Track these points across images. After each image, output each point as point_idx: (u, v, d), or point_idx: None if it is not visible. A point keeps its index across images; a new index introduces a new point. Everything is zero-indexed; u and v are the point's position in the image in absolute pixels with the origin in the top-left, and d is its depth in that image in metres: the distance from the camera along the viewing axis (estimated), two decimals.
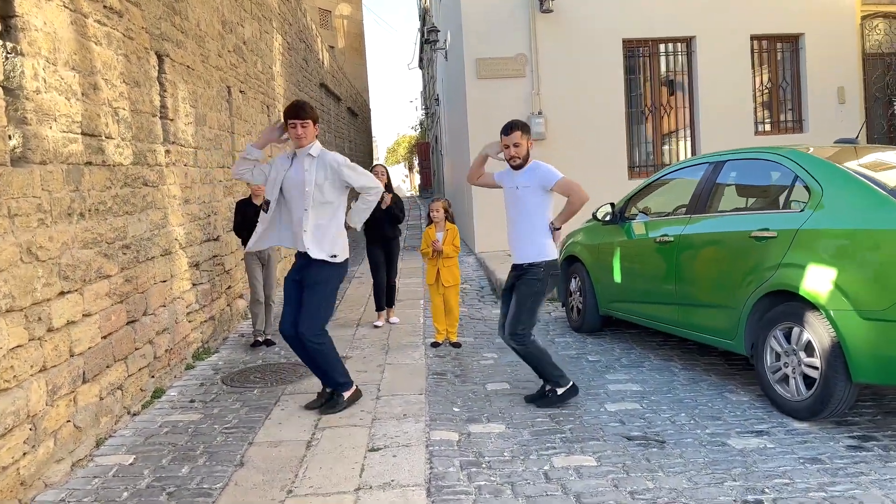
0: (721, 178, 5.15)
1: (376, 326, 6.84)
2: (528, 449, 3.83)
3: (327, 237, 4.45)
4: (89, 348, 4.02)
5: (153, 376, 4.96)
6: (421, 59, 32.77)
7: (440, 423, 4.25)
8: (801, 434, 3.94)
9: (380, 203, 6.17)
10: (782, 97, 11.98)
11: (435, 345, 6.25)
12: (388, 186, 6.65)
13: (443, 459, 3.72)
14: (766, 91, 11.88)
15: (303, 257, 4.47)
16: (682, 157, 11.72)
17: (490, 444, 3.92)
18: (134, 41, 4.88)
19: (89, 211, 4.11)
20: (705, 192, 5.19)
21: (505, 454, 3.77)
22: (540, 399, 4.59)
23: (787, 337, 4.26)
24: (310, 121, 4.40)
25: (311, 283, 4.43)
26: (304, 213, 4.39)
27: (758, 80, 11.81)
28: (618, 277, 6.01)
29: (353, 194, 4.64)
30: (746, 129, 11.47)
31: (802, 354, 4.13)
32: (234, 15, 7.82)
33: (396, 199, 6.88)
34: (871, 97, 12.28)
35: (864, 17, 12.27)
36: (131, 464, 3.79)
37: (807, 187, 4.34)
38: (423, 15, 27.30)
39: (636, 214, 6.06)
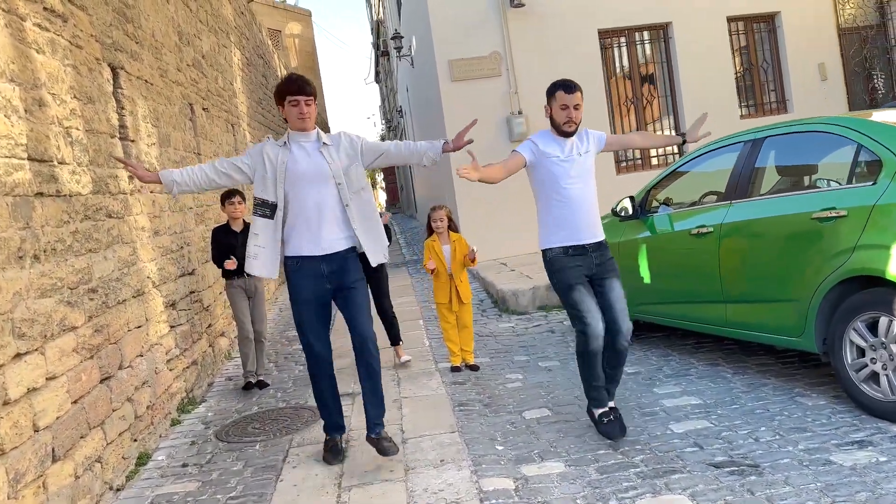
0: (762, 156, 4.61)
1: (399, 363, 5.86)
2: (602, 492, 3.20)
3: (380, 231, 3.82)
4: (57, 418, 3.28)
5: (136, 440, 4.22)
6: (377, 73, 32.21)
7: (487, 468, 3.59)
8: None
9: None
10: (764, 78, 11.64)
11: (455, 369, 5.57)
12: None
13: None
14: (747, 73, 11.52)
15: (324, 262, 3.68)
16: (668, 148, 11.29)
17: (555, 490, 3.27)
18: (83, 51, 4.17)
19: (45, 252, 3.39)
20: (745, 174, 4.64)
21: (578, 501, 3.14)
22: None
23: (872, 329, 3.72)
24: (313, 99, 3.67)
25: (356, 280, 3.73)
26: (341, 211, 3.68)
27: (737, 61, 11.45)
28: (646, 278, 5.43)
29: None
30: (731, 114, 11.08)
31: (895, 347, 3.59)
32: (191, 26, 7.11)
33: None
34: (851, 72, 12.01)
35: None
36: None
37: (877, 158, 3.81)
38: (377, 28, 26.75)
39: (658, 207, 5.51)
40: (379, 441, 3.69)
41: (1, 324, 2.92)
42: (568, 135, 3.88)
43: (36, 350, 3.17)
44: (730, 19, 11.27)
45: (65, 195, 3.68)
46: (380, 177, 41.76)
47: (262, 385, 5.63)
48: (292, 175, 3.63)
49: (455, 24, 10.45)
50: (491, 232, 10.28)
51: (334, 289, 3.74)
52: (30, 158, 3.35)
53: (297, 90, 3.60)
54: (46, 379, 3.23)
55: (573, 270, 3.82)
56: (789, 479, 3.12)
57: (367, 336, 3.68)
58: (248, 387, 5.54)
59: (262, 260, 3.72)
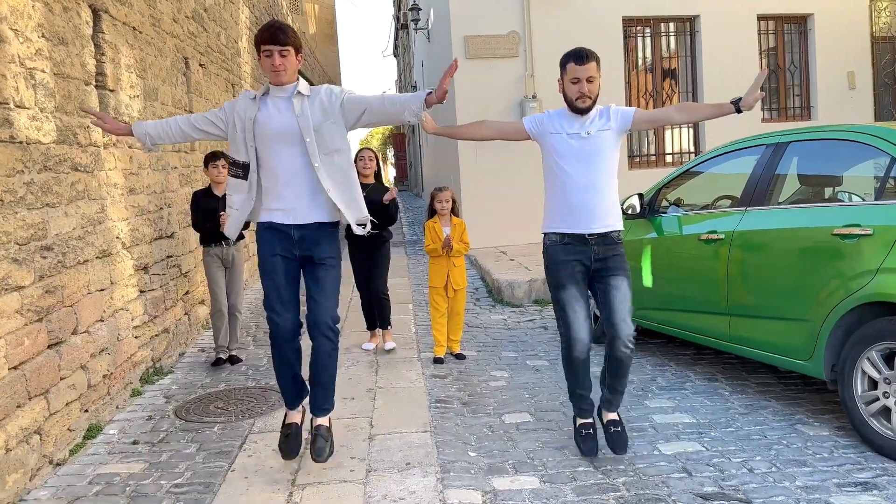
0: (784, 162, 4.26)
1: (365, 350, 5.57)
2: None
3: (356, 196, 3.40)
4: None
5: (86, 410, 3.94)
6: (396, 47, 31.72)
7: (455, 477, 3.30)
8: None
9: (380, 199, 5.16)
10: (790, 82, 11.21)
11: (438, 361, 5.27)
12: (378, 174, 5.58)
13: None
14: (773, 75, 11.09)
15: (296, 228, 3.31)
16: (684, 146, 10.92)
17: None
18: None
19: None
20: (764, 180, 4.30)
21: None
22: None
23: (889, 360, 3.40)
24: (291, 48, 3.20)
25: (328, 256, 3.34)
26: (310, 172, 3.26)
27: (764, 62, 11.02)
28: (648, 281, 5.11)
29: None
30: (753, 116, 10.62)
31: None
32: None
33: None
34: (881, 83, 11.56)
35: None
36: None
37: None
38: (399, 0, 26.23)
39: (668, 207, 5.17)
40: (315, 436, 3.34)
41: None
42: (582, 111, 3.40)
43: None
44: (760, 17, 10.82)
45: (20, 142, 3.37)
46: (390, 152, 41.33)
47: (234, 360, 5.34)
48: (263, 133, 3.23)
49: None
50: (493, 218, 9.95)
51: (303, 258, 3.35)
52: None
53: (269, 38, 3.16)
54: None
55: (567, 267, 3.43)
56: None
57: (319, 321, 3.28)
58: (218, 363, 5.24)
59: (231, 221, 3.46)
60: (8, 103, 3.27)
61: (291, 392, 3.48)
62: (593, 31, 10.14)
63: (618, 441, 3.45)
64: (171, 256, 5.58)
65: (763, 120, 10.82)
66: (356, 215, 3.40)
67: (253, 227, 3.75)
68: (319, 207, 3.32)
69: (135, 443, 3.84)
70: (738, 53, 10.64)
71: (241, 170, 3.32)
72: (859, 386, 3.53)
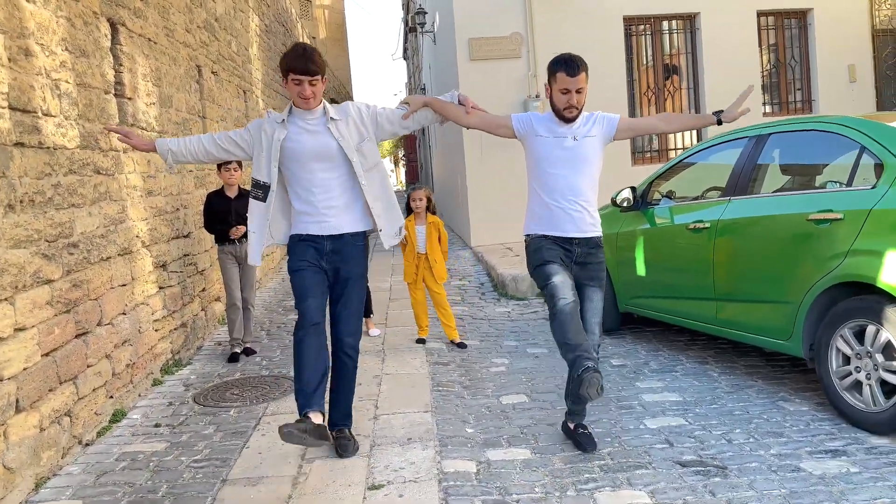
0: (766, 153, 4.48)
1: (372, 336, 5.97)
2: (562, 482, 3.15)
3: (395, 212, 3.58)
4: (24, 369, 3.29)
5: (111, 396, 4.23)
6: (405, 50, 32.00)
7: (453, 449, 3.55)
8: (885, 454, 3.28)
9: None
10: (791, 76, 11.36)
11: (420, 341, 5.74)
12: None
13: (460, 499, 3.02)
14: (774, 70, 11.25)
15: (330, 240, 3.41)
16: (686, 141, 11.10)
17: (516, 477, 3.23)
18: (79, 3, 4.14)
19: (21, 202, 3.37)
20: (747, 171, 4.52)
21: (536, 490, 3.09)
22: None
23: (859, 337, 3.61)
24: (320, 77, 3.29)
25: (356, 274, 3.46)
26: (350, 190, 3.41)
27: (764, 58, 11.18)
28: (641, 270, 5.33)
29: None
30: (755, 111, 10.78)
31: (880, 357, 3.48)
32: None
33: None
34: (882, 75, 11.68)
35: None
36: None
37: (879, 161, 3.68)
38: (407, 3, 26.52)
39: (660, 199, 5.39)
40: (337, 439, 3.51)
41: None
42: (568, 120, 3.45)
43: (5, 300, 3.17)
44: (760, 13, 10.99)
45: (48, 147, 3.66)
46: (401, 153, 41.64)
47: (248, 352, 5.63)
48: (293, 154, 3.35)
49: (477, 1, 10.29)
50: (499, 216, 10.19)
51: (332, 271, 3.45)
52: (10, 107, 3.32)
53: (301, 69, 3.22)
54: (14, 329, 3.23)
55: (550, 252, 3.45)
56: (754, 483, 3.05)
57: (343, 339, 3.47)
58: (233, 358, 5.51)
59: (251, 245, 3.54)
60: (36, 112, 3.57)
61: (312, 389, 3.30)
62: (595, 30, 10.37)
63: (587, 441, 3.47)
64: (188, 255, 5.88)
65: (764, 114, 10.98)
66: (393, 227, 3.57)
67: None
68: (353, 218, 3.47)
69: (157, 425, 4.12)
70: (738, 49, 10.81)
71: (261, 191, 3.42)
72: (834, 362, 3.75)
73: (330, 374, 3.50)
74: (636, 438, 3.61)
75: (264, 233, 3.48)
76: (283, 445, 3.67)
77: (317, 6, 29.38)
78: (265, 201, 3.43)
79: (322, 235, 3.43)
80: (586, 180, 3.49)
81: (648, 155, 10.97)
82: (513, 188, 10.12)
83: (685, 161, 5.33)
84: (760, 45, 11.09)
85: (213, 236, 5.73)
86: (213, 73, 7.14)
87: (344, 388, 3.58)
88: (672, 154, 10.97)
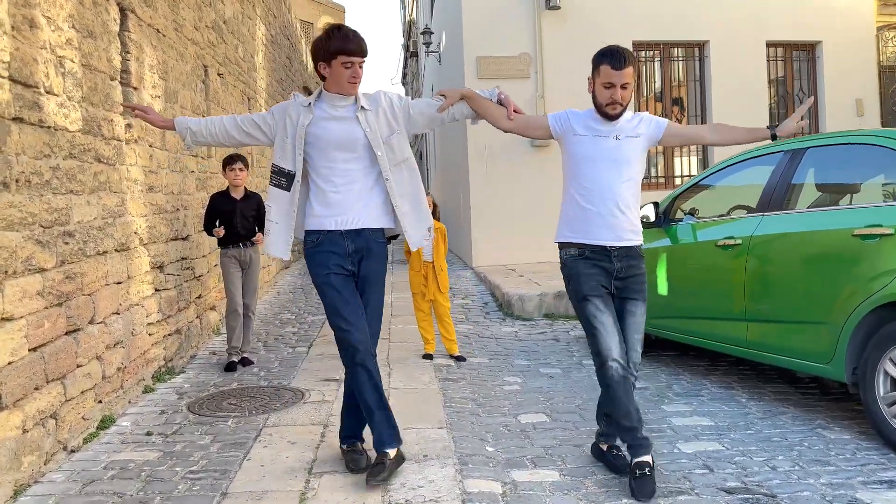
0: (802, 168, 4.28)
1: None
2: None
3: (424, 210, 3.32)
4: (9, 363, 2.99)
5: (100, 401, 3.92)
6: (405, 75, 32.08)
7: (474, 469, 3.26)
8: None
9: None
10: (798, 108, 11.28)
11: (427, 356, 5.49)
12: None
13: None
14: (782, 101, 11.19)
15: (348, 238, 3.15)
16: (693, 168, 10.97)
17: (546, 500, 2.94)
18: None
19: (17, 181, 3.11)
20: (782, 186, 4.31)
21: None
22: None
23: None
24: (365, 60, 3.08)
25: (377, 273, 3.22)
26: (374, 184, 3.18)
27: (773, 88, 11.12)
28: (662, 289, 5.10)
29: None
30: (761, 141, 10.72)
31: None
32: None
33: None
34: (888, 111, 11.64)
35: (879, 28, 11.69)
36: None
37: None
38: (408, 28, 26.61)
39: (682, 217, 5.18)
40: (349, 452, 3.24)
41: None
42: (611, 118, 3.18)
43: None
44: (769, 44, 10.94)
45: (48, 127, 3.40)
46: None
47: (245, 363, 5.32)
48: (317, 141, 3.12)
49: (487, 20, 10.19)
50: (502, 237, 9.97)
51: (354, 273, 3.20)
52: (11, 79, 3.07)
53: (356, 49, 3.00)
54: (1, 318, 2.94)
55: (591, 279, 3.16)
56: None
57: (372, 351, 3.15)
58: (230, 367, 5.20)
59: (274, 237, 3.22)
60: (38, 87, 3.31)
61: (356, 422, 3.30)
62: None
63: (622, 464, 3.16)
64: (186, 258, 5.59)
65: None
66: (422, 228, 3.30)
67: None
68: (373, 214, 3.21)
69: (148, 434, 3.81)
70: (746, 79, 10.74)
71: (284, 179, 3.18)
72: (881, 387, 3.50)
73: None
74: (672, 463, 3.33)
75: (290, 224, 3.20)
76: (287, 458, 3.39)
77: (318, 29, 29.44)
78: (289, 190, 3.17)
79: (339, 232, 3.16)
80: (626, 183, 3.20)
81: (654, 181, 10.81)
82: (518, 210, 9.93)
83: (709, 178, 5.13)
84: (769, 76, 11.03)
85: (213, 240, 5.46)
86: (219, 74, 6.92)
87: (376, 401, 3.22)
88: (678, 181, 10.83)
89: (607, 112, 3.16)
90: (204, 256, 6.10)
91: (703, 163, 10.91)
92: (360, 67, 3.07)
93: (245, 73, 8.33)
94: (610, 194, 3.17)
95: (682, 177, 10.84)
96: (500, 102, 3.37)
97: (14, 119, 3.10)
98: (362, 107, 3.15)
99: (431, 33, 13.41)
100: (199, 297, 5.97)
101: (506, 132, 3.44)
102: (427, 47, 13.46)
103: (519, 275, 8.80)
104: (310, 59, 16.48)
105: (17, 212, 3.09)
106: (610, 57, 3.10)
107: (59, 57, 3.54)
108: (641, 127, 3.24)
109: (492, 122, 3.37)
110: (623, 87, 3.10)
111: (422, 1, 19.80)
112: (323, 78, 3.14)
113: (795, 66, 11.28)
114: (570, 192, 3.30)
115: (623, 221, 3.20)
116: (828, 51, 11.07)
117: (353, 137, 3.14)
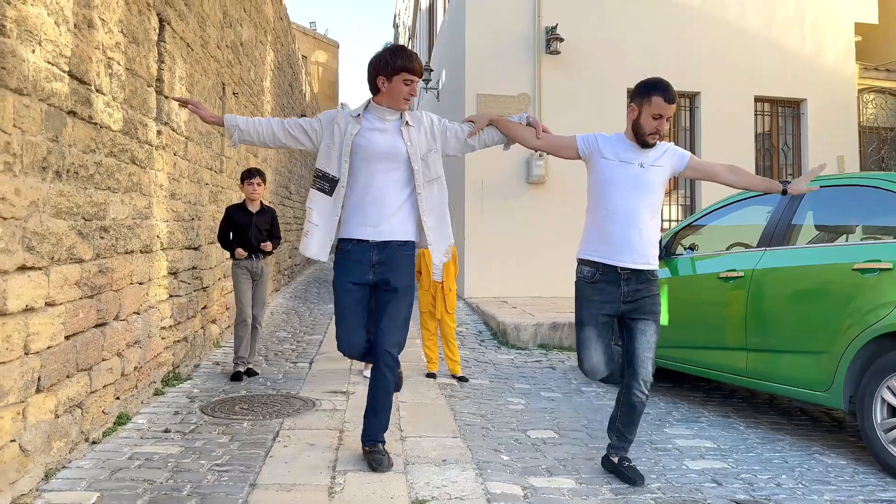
0: (803, 207, 4.52)
1: (366, 376, 5.35)
2: None
3: (448, 229, 3.48)
4: (49, 347, 3.06)
5: (118, 398, 3.96)
6: None
7: (493, 474, 3.36)
8: None
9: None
10: (783, 161, 11.73)
11: (431, 375, 5.59)
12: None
13: None
14: (768, 153, 11.62)
15: (376, 249, 3.33)
16: (681, 216, 11.28)
17: (567, 503, 3.05)
18: None
19: (67, 172, 3.21)
20: (784, 222, 4.54)
21: None
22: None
23: None
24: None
25: (404, 285, 3.34)
26: (408, 198, 3.35)
27: (759, 141, 11.55)
28: (663, 320, 5.27)
29: None
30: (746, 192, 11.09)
31: None
32: (235, 10, 7.08)
33: None
34: (867, 169, 12.12)
35: (860, 91, 12.25)
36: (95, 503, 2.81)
37: None
38: None
39: (682, 253, 5.39)
40: (371, 453, 3.34)
41: (13, 230, 2.73)
42: (647, 145, 3.37)
43: (41, 269, 2.97)
44: (757, 98, 11.40)
45: (96, 123, 3.53)
46: None
47: (250, 373, 5.37)
48: (361, 151, 3.29)
49: (489, 61, 10.51)
50: (494, 270, 10.14)
51: (377, 282, 3.36)
52: (70, 74, 3.21)
53: (418, 70, 3.27)
54: (45, 303, 3.02)
55: (593, 308, 3.39)
56: None
57: (389, 349, 3.30)
58: (236, 377, 5.23)
59: (314, 239, 3.34)
60: (90, 85, 3.44)
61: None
62: (600, 98, 10.63)
63: (634, 474, 3.35)
64: (196, 268, 5.66)
65: None
66: (443, 244, 3.46)
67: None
68: (403, 228, 3.37)
69: (166, 431, 3.85)
70: (734, 131, 11.16)
71: (327, 184, 3.33)
72: (878, 414, 3.68)
73: (369, 389, 3.40)
74: (682, 477, 3.46)
75: (331, 228, 3.35)
76: (308, 457, 3.46)
77: (312, 62, 29.87)
78: (331, 195, 3.33)
79: (369, 242, 3.33)
80: (647, 209, 3.39)
81: None
82: (511, 244, 10.12)
83: (710, 214, 5.35)
84: (756, 129, 11.46)
85: (219, 252, 5.54)
86: (234, 93, 7.08)
87: (382, 402, 3.38)
88: (665, 224, 11.13)
89: (647, 140, 3.34)
90: (211, 268, 6.17)
91: (690, 209, 11.24)
92: (416, 87, 3.29)
93: (255, 96, 8.51)
94: (631, 219, 3.35)
95: (669, 221, 11.14)
96: (528, 125, 3.58)
97: (69, 112, 3.22)
98: (407, 122, 3.34)
99: (431, 70, 13.75)
100: (205, 308, 6.02)
101: (535, 151, 3.64)
102: (426, 84, 13.77)
103: (512, 306, 8.95)
104: (307, 88, 16.59)
105: (65, 201, 3.19)
106: (664, 90, 3.28)
107: (109, 58, 3.68)
108: (666, 157, 3.44)
109: (521, 143, 3.58)
110: (668, 119, 3.30)
111: (417, 41, 20.26)
112: (375, 91, 3.32)
113: (781, 122, 11.74)
114: (594, 213, 3.48)
115: (640, 246, 3.36)
116: (812, 108, 11.56)
117: (396, 151, 3.31)
